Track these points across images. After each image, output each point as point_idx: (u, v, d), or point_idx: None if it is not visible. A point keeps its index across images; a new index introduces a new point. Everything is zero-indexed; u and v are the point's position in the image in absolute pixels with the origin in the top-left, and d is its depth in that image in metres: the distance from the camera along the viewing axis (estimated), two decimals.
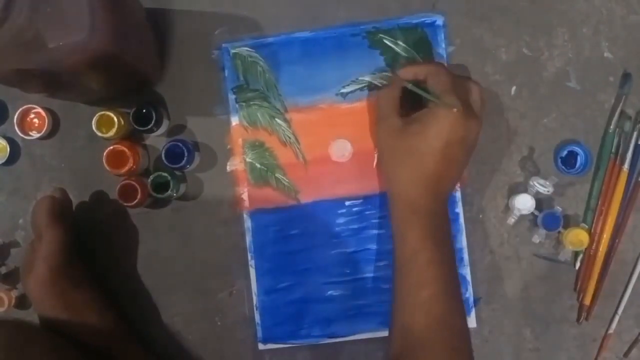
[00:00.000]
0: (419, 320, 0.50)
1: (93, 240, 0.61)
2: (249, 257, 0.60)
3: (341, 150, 0.60)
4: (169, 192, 0.58)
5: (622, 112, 0.59)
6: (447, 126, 0.50)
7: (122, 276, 0.61)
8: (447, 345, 0.50)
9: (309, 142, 0.60)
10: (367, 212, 0.60)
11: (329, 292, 0.60)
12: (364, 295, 0.60)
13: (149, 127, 0.58)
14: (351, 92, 0.60)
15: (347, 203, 0.60)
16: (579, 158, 0.58)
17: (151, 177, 0.58)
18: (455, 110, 0.50)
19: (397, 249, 0.53)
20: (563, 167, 0.58)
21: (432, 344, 0.50)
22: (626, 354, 0.59)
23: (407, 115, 0.54)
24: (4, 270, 0.61)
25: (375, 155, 0.60)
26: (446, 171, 0.52)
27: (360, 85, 0.60)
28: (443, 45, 0.60)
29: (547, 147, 0.60)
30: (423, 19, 0.60)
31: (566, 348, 0.59)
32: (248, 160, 0.61)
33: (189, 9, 0.61)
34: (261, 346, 0.60)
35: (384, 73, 0.60)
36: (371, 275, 0.60)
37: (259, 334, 0.60)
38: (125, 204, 0.58)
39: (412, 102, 0.55)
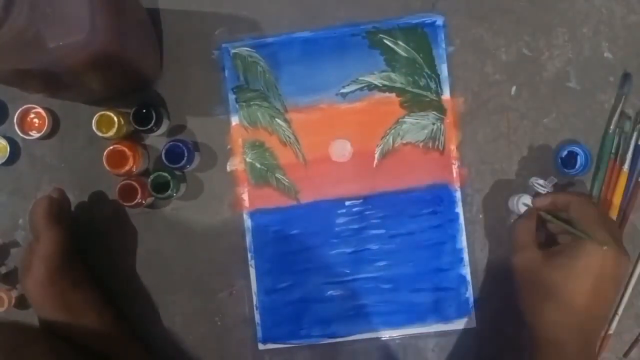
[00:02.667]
0: None
1: (93, 240, 0.61)
2: (249, 257, 0.60)
3: (341, 150, 0.60)
4: (169, 192, 0.58)
5: (622, 112, 0.59)
6: (597, 262, 0.47)
7: (122, 276, 0.61)
8: None
9: (309, 142, 0.60)
10: (367, 212, 0.60)
11: (329, 292, 0.60)
12: (364, 295, 0.60)
13: (149, 127, 0.58)
14: (351, 92, 0.60)
15: (347, 203, 0.60)
16: (579, 158, 0.58)
17: (151, 177, 0.58)
18: (605, 248, 0.47)
19: None
20: (563, 167, 0.58)
21: None
22: (626, 354, 0.59)
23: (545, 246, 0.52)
24: (4, 270, 0.61)
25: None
26: (597, 310, 0.49)
27: (360, 85, 0.60)
28: (443, 45, 0.60)
29: (547, 147, 0.60)
30: (423, 19, 0.60)
31: None
32: (248, 160, 0.61)
33: (189, 9, 0.61)
34: (261, 346, 0.60)
35: (384, 73, 0.60)
36: (371, 275, 0.60)
37: (259, 334, 0.60)
38: (125, 204, 0.58)
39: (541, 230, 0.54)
